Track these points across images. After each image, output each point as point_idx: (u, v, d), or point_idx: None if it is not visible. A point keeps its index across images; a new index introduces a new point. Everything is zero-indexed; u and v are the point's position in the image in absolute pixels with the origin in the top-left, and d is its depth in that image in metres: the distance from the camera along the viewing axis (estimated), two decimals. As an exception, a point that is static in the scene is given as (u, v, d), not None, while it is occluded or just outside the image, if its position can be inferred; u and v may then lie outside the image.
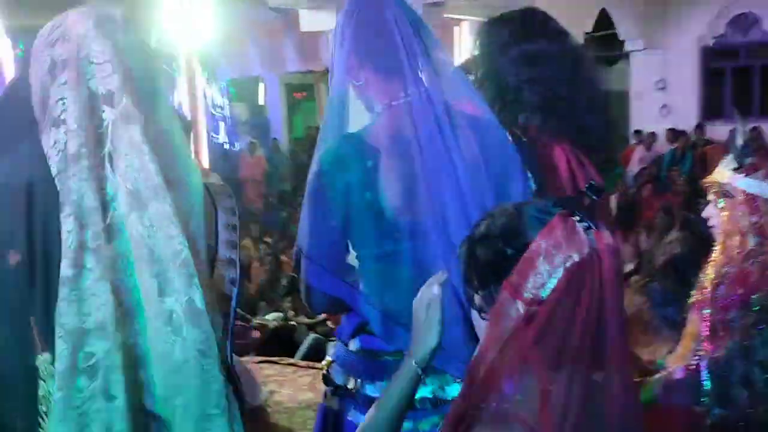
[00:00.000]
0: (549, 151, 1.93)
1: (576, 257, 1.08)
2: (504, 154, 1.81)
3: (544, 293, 1.08)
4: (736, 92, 12.11)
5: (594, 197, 1.09)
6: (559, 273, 1.08)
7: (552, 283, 1.08)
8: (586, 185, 1.10)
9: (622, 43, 12.13)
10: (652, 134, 11.50)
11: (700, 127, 11.34)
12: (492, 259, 1.16)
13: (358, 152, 1.75)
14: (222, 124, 12.77)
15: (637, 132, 11.83)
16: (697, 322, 2.14)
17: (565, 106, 1.94)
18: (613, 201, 8.79)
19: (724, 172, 2.10)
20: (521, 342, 1.07)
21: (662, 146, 11.32)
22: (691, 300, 2.18)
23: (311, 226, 1.76)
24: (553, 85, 1.93)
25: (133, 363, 1.25)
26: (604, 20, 11.44)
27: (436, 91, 1.78)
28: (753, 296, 2.00)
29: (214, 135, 11.19)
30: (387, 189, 1.73)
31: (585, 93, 1.97)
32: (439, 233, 1.72)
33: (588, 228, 1.10)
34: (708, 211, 2.16)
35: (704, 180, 2.16)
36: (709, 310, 2.08)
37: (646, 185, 9.28)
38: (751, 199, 2.04)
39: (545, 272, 1.08)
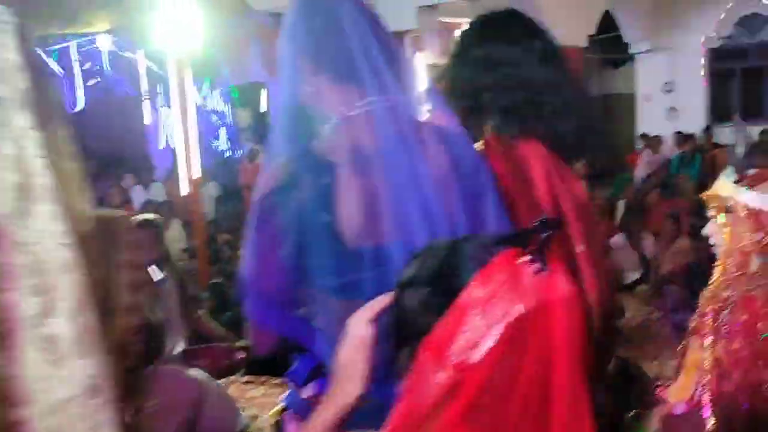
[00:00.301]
0: (524, 162, 1.74)
1: (520, 309, 0.84)
2: (475, 169, 1.61)
3: (477, 356, 0.84)
4: (745, 94, 11.92)
5: (546, 233, 0.86)
6: (498, 330, 0.84)
7: (488, 343, 0.84)
8: (537, 220, 0.87)
9: (627, 45, 11.94)
10: (659, 138, 11.29)
11: (708, 130, 11.12)
12: (418, 310, 0.93)
13: (311, 168, 1.56)
14: (222, 131, 12.64)
15: (644, 136, 11.62)
16: (699, 351, 1.94)
17: (532, 111, 1.76)
18: (620, 206, 8.66)
19: (725, 185, 1.90)
20: (444, 419, 0.84)
21: (670, 150, 11.11)
22: (692, 326, 1.99)
23: (258, 254, 1.57)
24: (516, 90, 1.75)
25: (8, 400, 1.04)
26: (609, 22, 11.24)
27: (399, 100, 1.59)
28: (758, 323, 1.80)
29: (213, 141, 11.05)
30: (345, 210, 1.54)
31: (556, 97, 1.78)
32: (406, 259, 1.52)
33: (539, 271, 0.86)
34: (709, 229, 1.96)
35: (704, 194, 1.97)
36: (711, 339, 1.89)
37: (653, 190, 9.07)
38: (755, 215, 1.84)
39: (479, 328, 0.84)
